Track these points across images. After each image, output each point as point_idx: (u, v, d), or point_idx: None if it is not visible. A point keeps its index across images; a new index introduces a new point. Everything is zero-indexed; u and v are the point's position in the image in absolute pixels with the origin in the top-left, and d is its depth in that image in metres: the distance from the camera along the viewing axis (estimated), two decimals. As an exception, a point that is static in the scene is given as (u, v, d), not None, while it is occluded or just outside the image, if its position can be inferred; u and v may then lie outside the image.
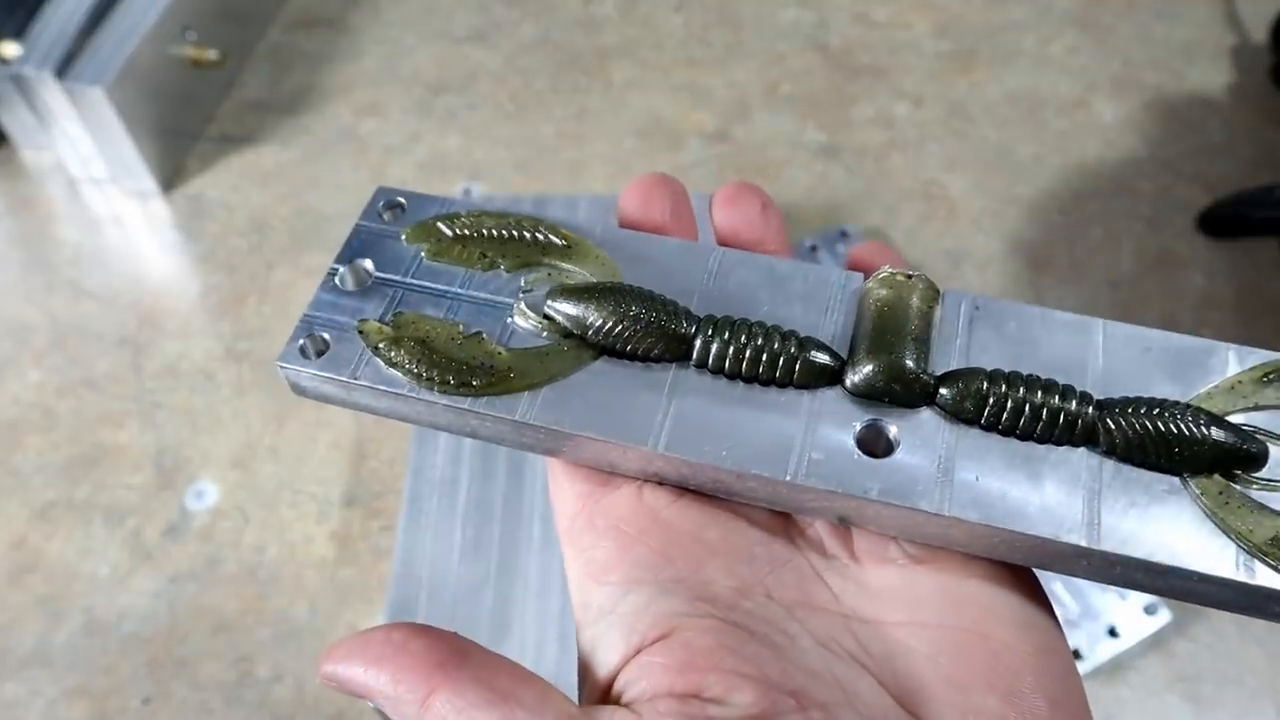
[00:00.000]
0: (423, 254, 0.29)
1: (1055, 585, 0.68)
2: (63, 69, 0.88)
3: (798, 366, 0.26)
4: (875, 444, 0.26)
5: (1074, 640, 0.67)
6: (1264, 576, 0.23)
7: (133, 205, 0.96)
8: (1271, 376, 0.26)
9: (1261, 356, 0.26)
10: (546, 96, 1.05)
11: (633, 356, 0.27)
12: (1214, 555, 0.23)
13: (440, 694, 0.23)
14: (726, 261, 0.29)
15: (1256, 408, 0.26)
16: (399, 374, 0.27)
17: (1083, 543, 0.24)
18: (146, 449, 0.80)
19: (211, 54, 0.98)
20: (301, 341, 0.28)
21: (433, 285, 0.29)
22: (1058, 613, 0.70)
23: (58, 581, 0.73)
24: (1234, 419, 0.25)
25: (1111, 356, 0.27)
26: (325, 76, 1.07)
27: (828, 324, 0.28)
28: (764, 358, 0.26)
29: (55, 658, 0.70)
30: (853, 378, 0.26)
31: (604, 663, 0.24)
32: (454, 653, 0.23)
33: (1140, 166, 0.96)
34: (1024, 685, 0.24)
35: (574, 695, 0.24)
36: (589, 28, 1.11)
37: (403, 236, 0.30)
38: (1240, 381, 0.26)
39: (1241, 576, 0.23)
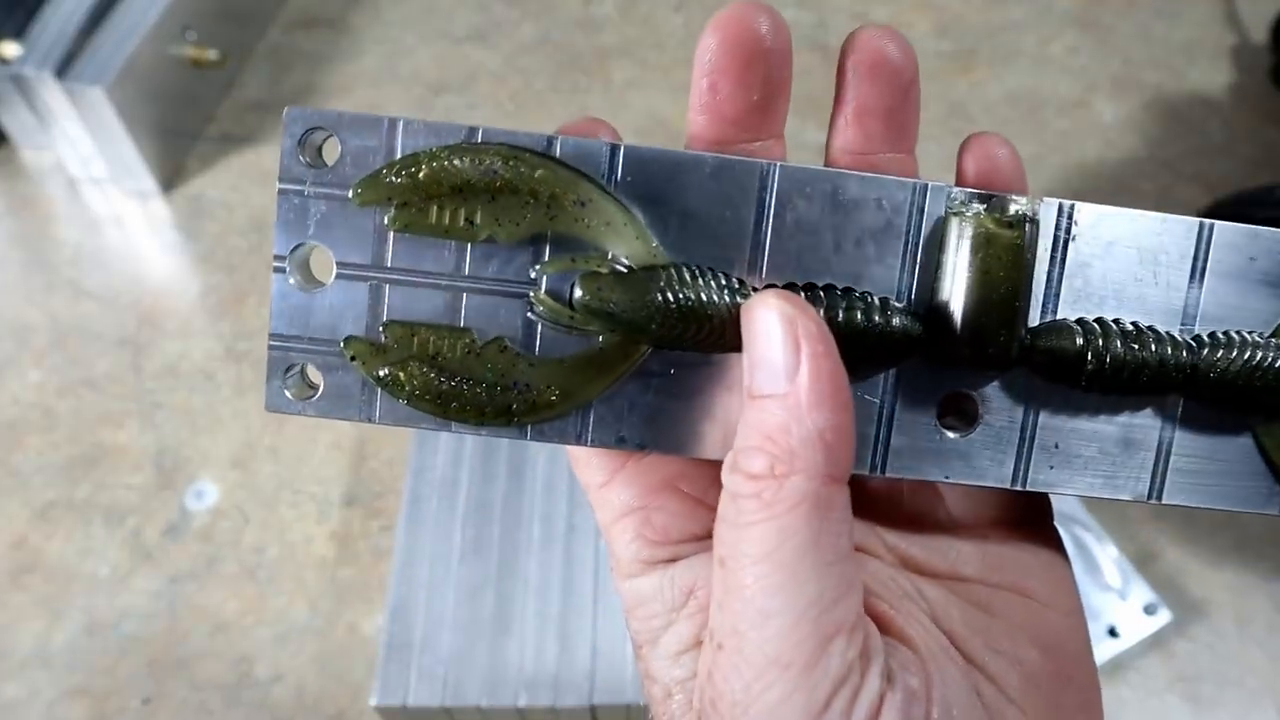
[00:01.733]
0: (388, 223, 0.23)
1: (1055, 585, 0.68)
2: (63, 69, 0.88)
3: (880, 341, 0.23)
4: (958, 416, 0.24)
5: (1074, 640, 0.67)
6: None
7: (133, 205, 0.96)
8: None
9: None
10: (546, 96, 1.05)
11: (691, 349, 0.23)
12: (1264, 496, 0.25)
13: (832, 483, 0.21)
14: (782, 189, 0.24)
15: None
16: (421, 411, 0.23)
17: (1144, 499, 0.24)
18: (146, 449, 0.80)
19: (211, 54, 0.98)
20: (284, 380, 0.23)
21: (418, 273, 0.23)
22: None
23: (58, 581, 0.73)
24: None
25: (1213, 270, 0.24)
26: (325, 76, 1.07)
27: (904, 264, 0.24)
28: (844, 333, 0.23)
29: (55, 658, 0.70)
30: (936, 348, 0.24)
31: (686, 627, 0.24)
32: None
33: (1140, 166, 0.96)
34: (1064, 643, 0.25)
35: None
36: (589, 28, 1.11)
37: (352, 196, 0.23)
38: None
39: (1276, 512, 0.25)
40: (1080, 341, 0.23)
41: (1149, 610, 0.68)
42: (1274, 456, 0.25)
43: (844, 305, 0.23)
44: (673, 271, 0.23)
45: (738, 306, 0.22)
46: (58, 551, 0.75)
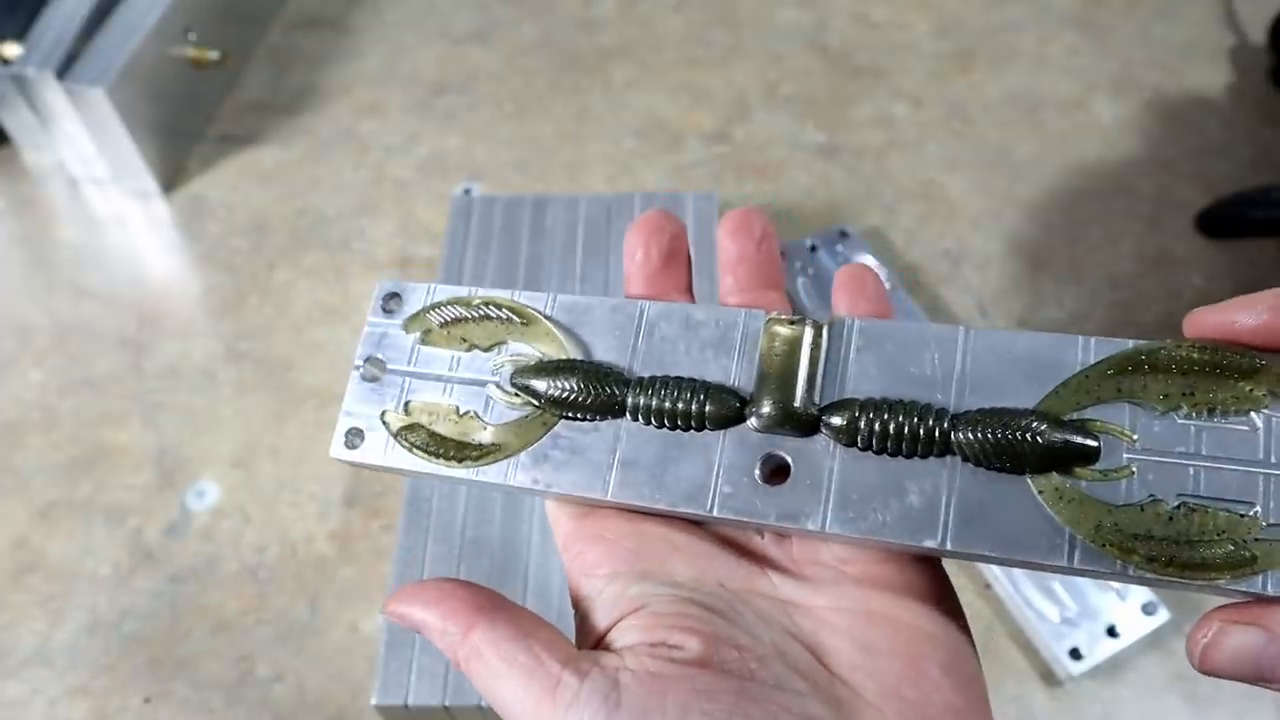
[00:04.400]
0: (418, 343, 0.36)
1: (1054, 584, 0.69)
2: (63, 69, 0.88)
3: (709, 413, 0.32)
4: (774, 472, 0.31)
5: (1073, 640, 0.67)
6: (1086, 561, 0.28)
7: (133, 205, 0.96)
8: (1112, 371, 0.29)
9: (1111, 347, 0.30)
10: (546, 96, 1.05)
11: (583, 418, 0.33)
12: (1047, 547, 0.28)
13: (478, 628, 0.30)
14: (651, 316, 0.35)
15: (1099, 402, 0.29)
16: (417, 456, 0.34)
17: (935, 545, 0.29)
18: (147, 449, 0.80)
19: (212, 54, 0.98)
20: (345, 437, 0.36)
21: (430, 371, 0.36)
22: (1057, 611, 0.70)
23: (59, 581, 0.74)
24: (1080, 414, 0.29)
25: (977, 363, 0.31)
26: (325, 76, 1.07)
27: (736, 364, 0.33)
28: (680, 407, 0.32)
29: (56, 657, 0.70)
30: (753, 419, 0.32)
31: (593, 632, 0.31)
32: (489, 600, 0.31)
33: (1140, 166, 0.97)
34: (922, 654, 0.29)
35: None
36: (589, 28, 1.11)
37: (403, 326, 0.36)
38: (1088, 377, 0.30)
39: (1070, 563, 0.28)
40: (857, 413, 0.30)
41: (1148, 610, 0.68)
42: (1050, 506, 0.29)
43: (681, 387, 0.32)
44: (569, 363, 0.34)
45: (606, 384, 0.33)
46: (59, 551, 0.75)
